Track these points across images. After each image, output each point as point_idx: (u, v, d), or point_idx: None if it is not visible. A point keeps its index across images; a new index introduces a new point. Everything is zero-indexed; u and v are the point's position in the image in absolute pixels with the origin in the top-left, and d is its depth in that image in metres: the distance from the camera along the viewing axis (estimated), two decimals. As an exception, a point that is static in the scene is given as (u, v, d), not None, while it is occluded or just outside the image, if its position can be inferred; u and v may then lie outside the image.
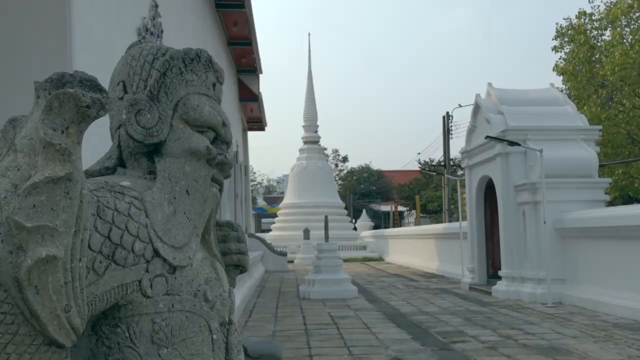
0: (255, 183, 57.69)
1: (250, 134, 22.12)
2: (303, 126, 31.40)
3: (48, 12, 4.08)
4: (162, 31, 6.68)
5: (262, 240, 19.52)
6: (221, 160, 1.20)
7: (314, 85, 31.88)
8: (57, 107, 0.83)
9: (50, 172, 0.81)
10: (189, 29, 8.96)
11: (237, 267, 1.43)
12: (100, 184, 1.05)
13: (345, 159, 58.29)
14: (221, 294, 1.20)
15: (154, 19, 6.35)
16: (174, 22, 7.68)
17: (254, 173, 57.74)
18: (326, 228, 11.75)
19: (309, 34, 36.05)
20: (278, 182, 65.59)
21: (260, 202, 48.78)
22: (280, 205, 31.30)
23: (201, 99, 1.20)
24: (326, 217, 12.03)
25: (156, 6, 6.48)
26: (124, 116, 1.15)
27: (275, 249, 20.56)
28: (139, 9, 5.90)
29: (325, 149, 42.44)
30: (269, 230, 31.63)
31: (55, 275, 0.84)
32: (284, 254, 19.77)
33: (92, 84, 0.88)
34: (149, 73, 1.17)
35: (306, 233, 23.80)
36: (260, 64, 16.99)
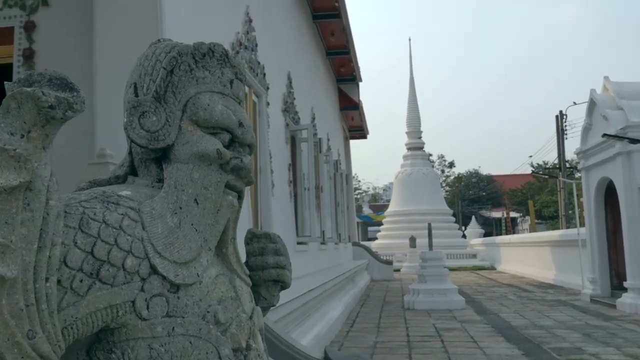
0: (360, 191, 57.69)
1: (353, 142, 22.12)
2: (406, 132, 30.93)
3: (139, 31, 4.25)
4: (256, 45, 6.80)
5: (367, 249, 19.37)
6: (236, 164, 1.07)
7: (416, 90, 31.35)
8: (14, 109, 0.75)
9: (3, 182, 0.72)
10: (284, 42, 9.09)
11: (276, 283, 1.31)
12: (95, 194, 0.97)
13: (451, 165, 56.65)
14: (238, 316, 1.07)
15: (247, 33, 6.47)
16: (269, 35, 7.82)
17: (359, 181, 57.75)
18: (430, 236, 11.37)
19: (409, 39, 35.38)
20: (384, 190, 65.14)
21: (366, 211, 48.68)
22: (386, 213, 30.98)
23: (213, 98, 1.09)
24: (429, 224, 11.65)
25: (250, 21, 6.60)
26: (125, 119, 1.07)
27: (381, 257, 20.31)
28: (232, 24, 6.04)
29: (430, 155, 41.50)
30: (375, 238, 31.39)
31: (12, 297, 0.75)
32: (389, 263, 19.47)
33: (62, 83, 0.80)
34: (159, 73, 1.09)
35: (412, 241, 23.33)
36: (359, 72, 16.94)
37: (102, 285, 0.88)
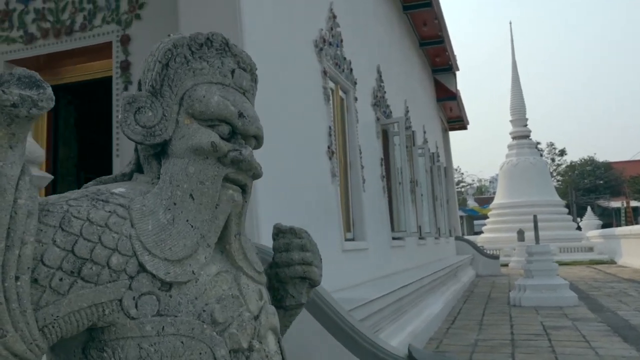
0: (464, 184, 55.91)
1: (452, 134, 21.47)
2: (510, 121, 29.49)
3: (220, 29, 4.35)
4: (341, 40, 6.77)
5: (471, 243, 18.70)
6: (234, 157, 1.01)
7: (519, 76, 29.78)
8: None
9: None
10: (373, 36, 8.98)
11: (304, 280, 1.25)
12: (86, 193, 0.97)
13: (562, 153, 53.22)
14: (240, 315, 1.01)
15: (332, 29, 6.46)
16: (356, 30, 7.75)
17: (462, 174, 55.96)
18: (536, 229, 10.74)
19: (510, 23, 33.62)
20: (490, 182, 62.68)
21: (471, 204, 47.08)
22: (491, 205, 29.77)
23: (210, 89, 1.05)
24: (535, 216, 11.00)
25: (334, 17, 6.59)
26: (120, 116, 1.06)
27: (487, 251, 19.53)
28: (315, 22, 6.05)
29: (538, 143, 39.26)
30: (481, 232, 30.28)
31: None
32: (495, 257, 18.66)
33: (30, 81, 0.80)
34: (154, 66, 1.07)
35: (520, 234, 22.20)
36: (455, 61, 16.40)
37: (85, 283, 0.87)
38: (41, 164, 2.69)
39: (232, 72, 1.10)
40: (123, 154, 5.26)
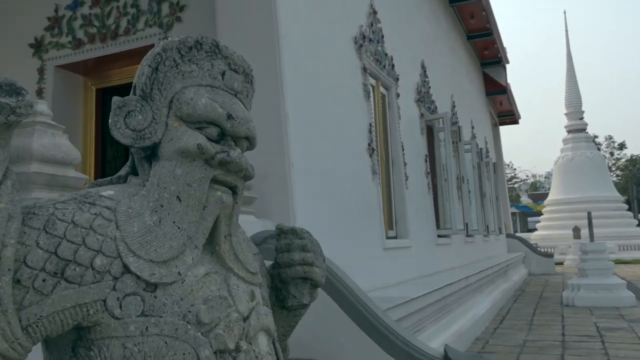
0: (517, 180, 54.46)
1: (503, 128, 20.93)
2: (565, 114, 28.48)
3: (257, 37, 4.39)
4: (382, 36, 6.71)
5: (524, 241, 18.18)
6: (222, 159, 1.00)
7: (574, 67, 28.69)
8: None
9: None
10: (417, 30, 8.85)
11: (305, 281, 1.24)
12: (75, 195, 0.98)
13: (622, 146, 50.98)
14: (228, 316, 1.00)
15: (372, 25, 6.40)
16: (398, 25, 7.66)
17: (514, 170, 54.52)
18: (590, 226, 10.33)
19: (564, 12, 32.37)
20: (545, 178, 60.80)
21: (525, 200, 45.82)
22: (545, 202, 28.86)
23: (199, 91, 1.05)
24: (589, 213, 10.57)
25: (374, 12, 6.52)
26: (110, 120, 1.06)
27: (541, 249, 18.95)
28: (355, 18, 6.01)
29: (595, 136, 37.77)
30: (534, 229, 29.41)
31: None
32: (549, 255, 18.07)
33: (10, 88, 0.80)
34: (144, 70, 1.08)
35: (576, 232, 21.44)
36: (505, 53, 15.96)
37: (68, 284, 0.88)
38: (77, 166, 2.78)
39: (223, 74, 1.10)
40: (166, 154, 5.38)
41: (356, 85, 5.97)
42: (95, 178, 6.21)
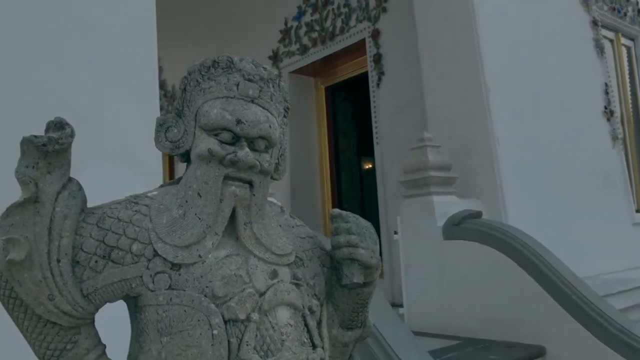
0: None
1: None
2: None
3: (454, 23, 4.32)
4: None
5: None
6: (230, 159, 1.17)
7: None
8: (25, 150, 1.07)
9: (20, 199, 1.05)
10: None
11: (353, 261, 1.29)
12: (128, 197, 1.23)
13: None
14: (242, 291, 1.16)
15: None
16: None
17: None
18: None
19: None
20: None
21: None
22: None
23: (214, 104, 1.21)
24: None
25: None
26: (154, 135, 1.28)
27: None
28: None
29: None
30: None
31: (32, 272, 1.06)
32: None
33: (58, 125, 1.08)
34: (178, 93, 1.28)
35: None
36: None
37: (114, 264, 1.14)
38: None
39: (237, 84, 1.25)
40: (382, 141, 5.66)
41: (584, 42, 5.32)
42: (331, 166, 6.85)
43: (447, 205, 3.98)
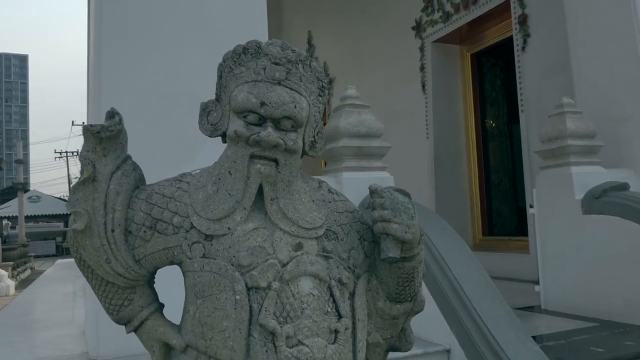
0: None
1: None
2: None
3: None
4: None
5: None
6: (254, 139, 1.26)
7: None
8: (85, 137, 1.26)
9: (81, 178, 1.25)
10: None
11: (388, 236, 1.29)
12: (175, 176, 1.36)
13: None
14: (266, 261, 1.24)
15: None
16: None
17: None
18: None
19: None
20: None
21: None
22: None
23: (242, 88, 1.28)
24: None
25: None
26: (198, 119, 1.38)
27: None
28: None
29: None
30: None
31: (92, 239, 1.24)
32: None
33: (109, 114, 1.27)
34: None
35: None
36: None
37: (159, 235, 1.28)
38: (380, 136, 3.23)
39: (264, 68, 1.32)
40: (527, 108, 5.29)
41: None
42: (477, 136, 6.58)
43: (587, 176, 3.64)
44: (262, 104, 1.28)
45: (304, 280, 1.28)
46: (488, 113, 6.60)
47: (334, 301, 1.31)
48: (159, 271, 1.38)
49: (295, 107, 1.30)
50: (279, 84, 1.32)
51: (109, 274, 1.30)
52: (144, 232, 1.31)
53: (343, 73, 8.46)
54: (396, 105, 7.08)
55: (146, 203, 1.33)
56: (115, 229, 1.29)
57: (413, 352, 2.31)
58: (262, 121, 1.30)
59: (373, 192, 1.38)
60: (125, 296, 1.35)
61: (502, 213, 6.42)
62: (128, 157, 1.35)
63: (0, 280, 9.30)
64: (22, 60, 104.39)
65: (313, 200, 1.41)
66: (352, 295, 1.36)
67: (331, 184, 2.98)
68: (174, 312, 1.40)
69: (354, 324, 1.34)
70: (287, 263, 1.27)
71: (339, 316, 1.30)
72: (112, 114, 1.29)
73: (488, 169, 6.53)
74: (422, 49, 6.64)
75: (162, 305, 1.40)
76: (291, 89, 1.33)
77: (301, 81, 1.35)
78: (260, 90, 1.30)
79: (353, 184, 3.00)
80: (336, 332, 1.28)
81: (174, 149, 2.61)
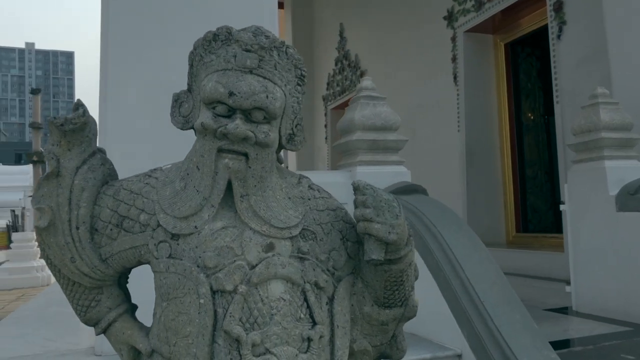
0: None
1: None
2: None
3: None
4: None
5: None
6: (220, 132, 1.16)
7: None
8: (50, 131, 1.20)
9: (45, 173, 1.19)
10: None
11: (370, 236, 1.17)
12: (146, 172, 1.28)
13: None
14: (232, 263, 1.14)
15: None
16: None
17: None
18: None
19: None
20: None
21: None
22: None
23: (211, 77, 1.19)
24: None
25: None
26: (170, 110, 1.29)
27: None
28: None
29: None
30: None
31: (56, 237, 1.18)
32: None
33: (74, 107, 1.21)
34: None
35: None
36: None
37: (126, 233, 1.22)
38: (397, 129, 3.10)
39: (235, 56, 1.22)
40: (563, 99, 5.04)
41: None
42: (511, 129, 6.33)
43: (623, 171, 3.42)
44: (231, 94, 1.18)
45: (275, 283, 1.19)
46: (523, 105, 6.35)
47: (309, 306, 1.22)
48: (137, 270, 1.32)
49: (267, 97, 1.20)
50: (251, 72, 1.23)
51: (74, 273, 1.24)
52: (111, 230, 1.25)
53: (374, 65, 8.31)
54: (427, 97, 6.90)
55: (113, 199, 1.26)
56: (79, 226, 1.23)
57: (422, 356, 2.20)
58: (231, 112, 1.21)
59: (355, 188, 1.27)
60: (92, 297, 1.29)
61: (538, 208, 6.17)
62: (97, 151, 1.28)
63: (42, 270, 9.56)
64: (69, 57, 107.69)
65: (289, 198, 1.31)
66: (331, 299, 1.26)
67: (345, 178, 2.89)
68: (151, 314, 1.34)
69: (332, 331, 1.24)
70: (256, 265, 1.18)
71: (314, 323, 1.21)
72: (77, 106, 1.23)
73: (523, 163, 6.28)
74: (454, 39, 6.42)
75: (133, 307, 1.34)
76: (264, 78, 1.24)
77: (275, 69, 1.25)
78: (230, 79, 1.20)
79: (367, 179, 2.88)
80: (309, 340, 1.19)
81: (179, 142, 2.56)
